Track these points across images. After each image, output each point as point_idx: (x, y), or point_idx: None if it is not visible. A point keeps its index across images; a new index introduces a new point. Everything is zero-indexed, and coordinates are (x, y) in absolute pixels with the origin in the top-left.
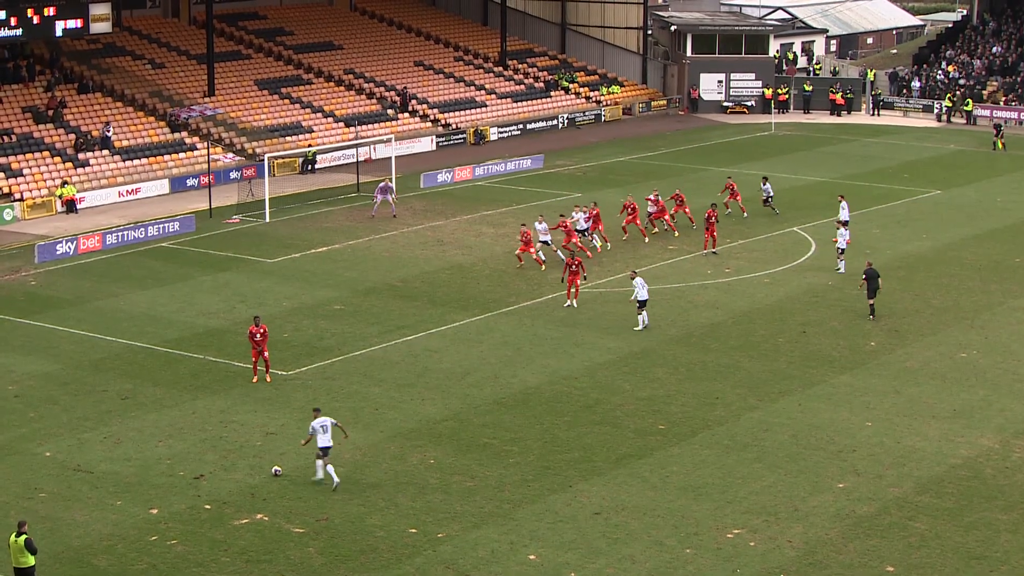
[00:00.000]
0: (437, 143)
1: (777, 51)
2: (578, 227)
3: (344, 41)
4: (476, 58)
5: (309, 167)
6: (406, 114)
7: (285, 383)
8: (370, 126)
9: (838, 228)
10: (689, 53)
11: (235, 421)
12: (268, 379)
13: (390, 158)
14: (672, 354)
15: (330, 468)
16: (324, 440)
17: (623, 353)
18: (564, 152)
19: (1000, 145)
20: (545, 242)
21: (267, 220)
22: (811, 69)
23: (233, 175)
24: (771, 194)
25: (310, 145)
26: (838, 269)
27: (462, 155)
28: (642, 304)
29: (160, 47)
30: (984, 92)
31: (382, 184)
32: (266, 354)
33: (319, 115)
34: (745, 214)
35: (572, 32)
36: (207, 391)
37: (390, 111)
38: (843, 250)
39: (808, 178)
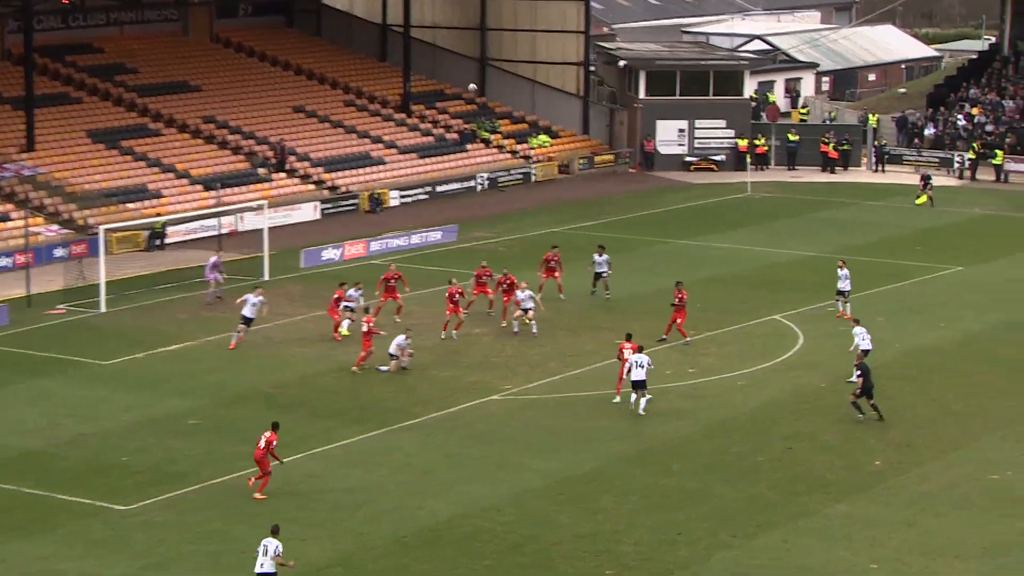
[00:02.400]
0: (322, 210)
1: (754, 92)
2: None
3: (203, 81)
4: (372, 102)
5: (157, 242)
6: (282, 174)
7: (123, 520)
8: (236, 189)
9: (839, 303)
10: (642, 95)
11: (58, 571)
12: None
13: (262, 230)
14: (623, 477)
15: None
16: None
17: (560, 476)
18: (483, 221)
19: (925, 199)
20: (527, 309)
21: (102, 310)
22: (798, 114)
23: (59, 252)
24: (605, 271)
25: (158, 214)
26: (850, 379)
27: (353, 226)
28: (637, 385)
29: None
30: (1013, 141)
31: (213, 259)
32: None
33: (170, 175)
34: (561, 295)
35: (494, 69)
36: (22, 532)
37: (262, 170)
38: (866, 351)
39: (794, 252)
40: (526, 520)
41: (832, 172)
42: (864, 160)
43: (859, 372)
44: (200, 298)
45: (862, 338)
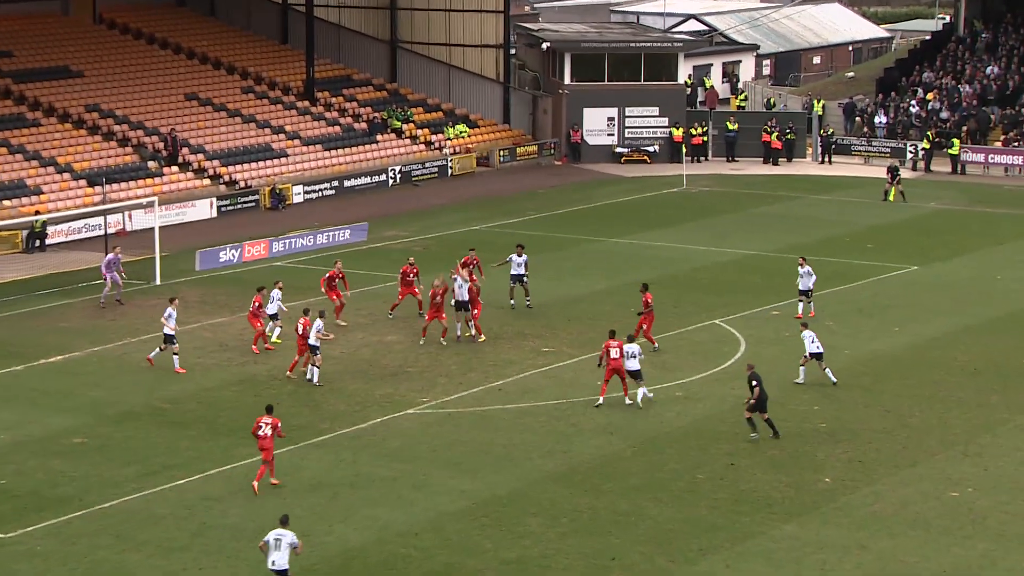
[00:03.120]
0: (218, 208)
1: (689, 76)
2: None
3: (85, 66)
4: (272, 89)
5: (36, 243)
6: (174, 168)
7: (2, 550)
8: (123, 185)
9: (801, 303)
10: (568, 80)
11: None
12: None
13: (152, 229)
14: (550, 498)
15: None
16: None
17: (482, 497)
18: (396, 219)
19: (895, 194)
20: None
21: None
22: (737, 101)
23: None
24: (523, 274)
25: (37, 212)
26: (797, 379)
27: (253, 224)
28: (635, 375)
29: None
30: (969, 129)
31: (110, 256)
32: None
33: (50, 170)
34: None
35: (406, 52)
36: None
37: (152, 164)
38: (814, 355)
39: (734, 251)
40: (446, 546)
41: (775, 164)
42: (809, 151)
43: (753, 383)
44: (85, 304)
45: (811, 341)
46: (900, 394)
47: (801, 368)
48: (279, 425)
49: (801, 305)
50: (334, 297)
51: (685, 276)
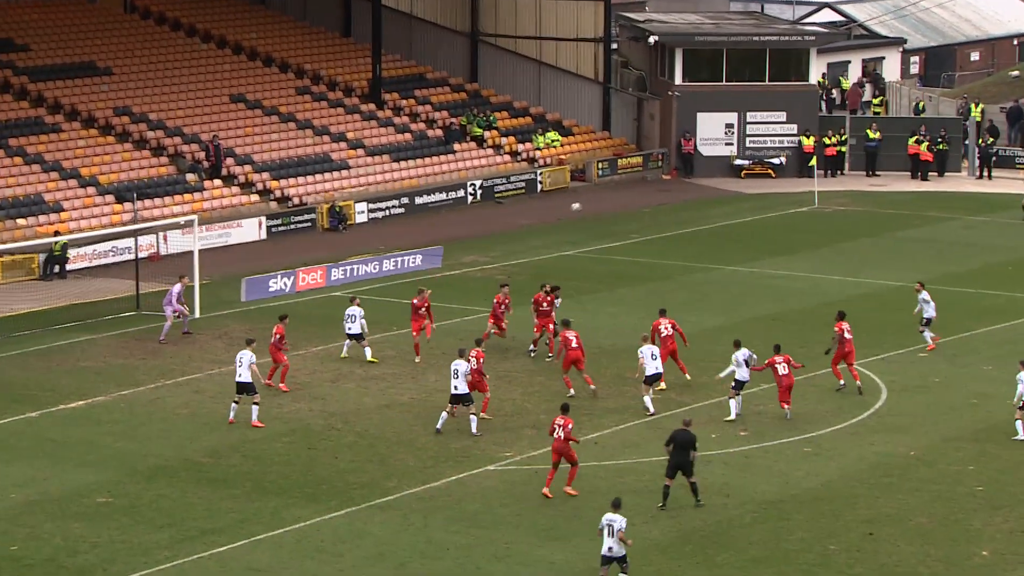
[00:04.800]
0: (268, 228)
1: (823, 75)
2: None
3: (114, 62)
4: (332, 90)
5: (56, 268)
6: (217, 181)
7: None
8: (158, 201)
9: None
10: (679, 80)
11: None
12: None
13: (191, 252)
14: (656, 571)
15: None
16: None
17: (575, 570)
18: (476, 242)
19: None
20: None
21: None
22: (880, 102)
23: None
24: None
25: (57, 232)
26: (1017, 436)
27: (310, 248)
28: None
29: None
30: None
31: (177, 287)
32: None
33: (72, 183)
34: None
35: (489, 47)
36: None
37: (191, 177)
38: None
39: (873, 282)
40: None
41: (924, 179)
42: (965, 164)
43: (667, 442)
44: (112, 340)
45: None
46: None
47: (1018, 422)
48: (570, 426)
49: (926, 335)
50: (417, 328)
51: (815, 311)
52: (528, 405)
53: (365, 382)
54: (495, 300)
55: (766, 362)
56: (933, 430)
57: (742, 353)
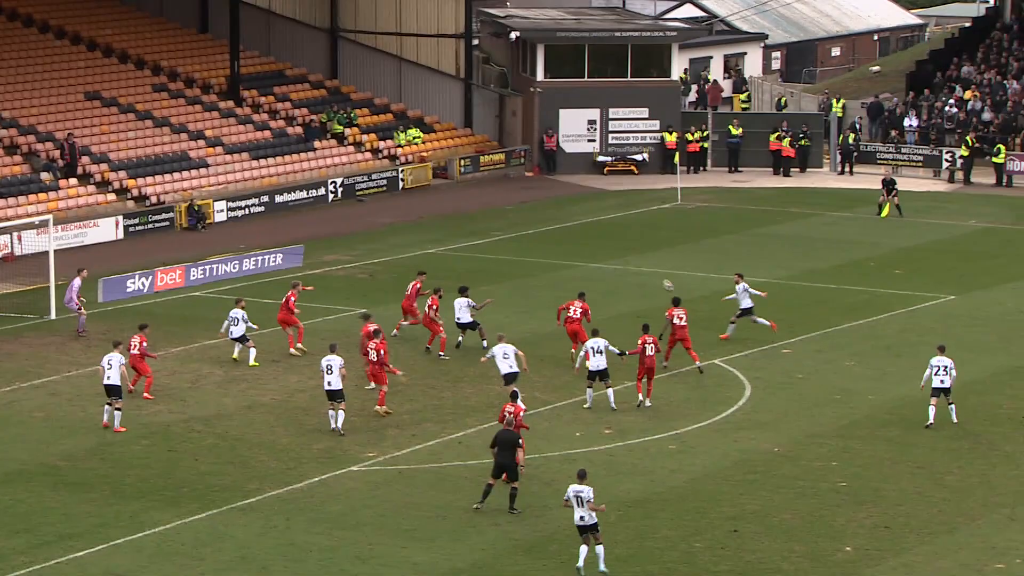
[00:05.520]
0: (125, 228)
1: (685, 71)
2: None
3: None
4: (190, 87)
5: None
6: (72, 180)
7: None
8: (11, 200)
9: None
10: (541, 76)
11: None
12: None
13: (47, 253)
14: (520, 571)
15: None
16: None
17: (439, 572)
18: (337, 241)
19: (888, 208)
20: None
21: None
22: (739, 101)
23: None
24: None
25: None
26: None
27: (168, 247)
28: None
29: None
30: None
31: (76, 282)
32: None
33: None
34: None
35: (349, 43)
36: None
37: (45, 176)
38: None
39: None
40: None
41: (786, 175)
42: (827, 159)
43: (492, 443)
44: None
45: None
46: (934, 447)
47: (931, 408)
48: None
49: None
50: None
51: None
52: (391, 405)
53: (226, 384)
54: (411, 287)
55: (638, 342)
56: (797, 426)
57: (599, 342)
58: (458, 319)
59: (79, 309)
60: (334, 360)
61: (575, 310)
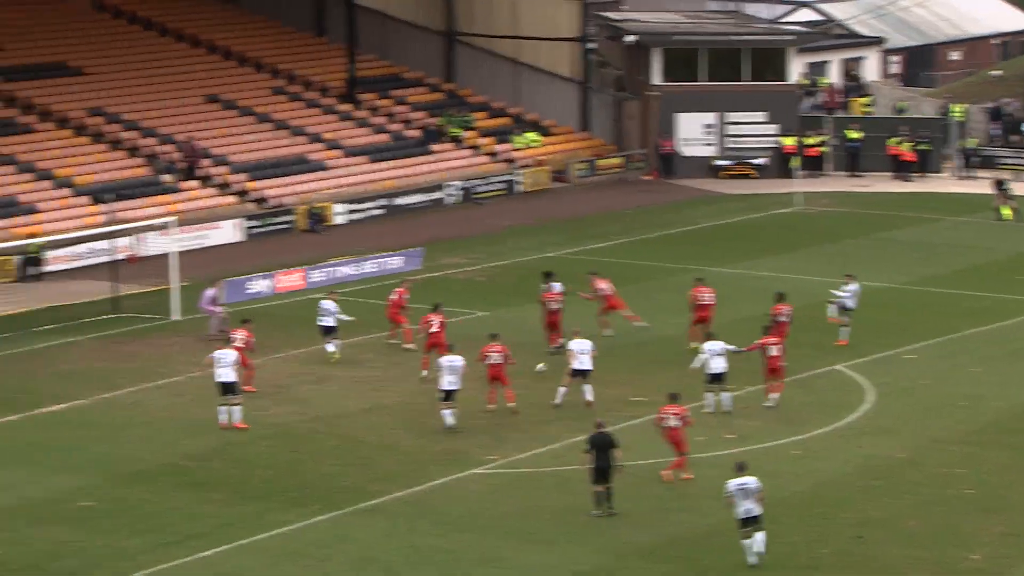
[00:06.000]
0: (246, 230)
1: (803, 74)
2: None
3: (86, 62)
4: (308, 90)
5: (32, 271)
6: (193, 183)
7: None
8: (134, 202)
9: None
10: (657, 80)
11: None
12: None
13: (168, 255)
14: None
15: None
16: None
17: (562, 574)
18: (456, 244)
19: (1009, 212)
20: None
21: None
22: (860, 105)
23: None
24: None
25: (32, 235)
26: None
27: (288, 250)
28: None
29: None
30: None
31: (210, 291)
32: None
33: (46, 184)
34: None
35: (465, 46)
36: None
37: (167, 178)
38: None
39: (859, 283)
40: None
41: (906, 179)
42: (947, 164)
43: (588, 447)
44: (91, 343)
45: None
46: None
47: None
48: (687, 415)
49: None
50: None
51: (799, 313)
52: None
53: (348, 385)
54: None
55: (758, 341)
56: (921, 432)
57: (718, 345)
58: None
59: (217, 313)
60: (456, 360)
61: (707, 296)
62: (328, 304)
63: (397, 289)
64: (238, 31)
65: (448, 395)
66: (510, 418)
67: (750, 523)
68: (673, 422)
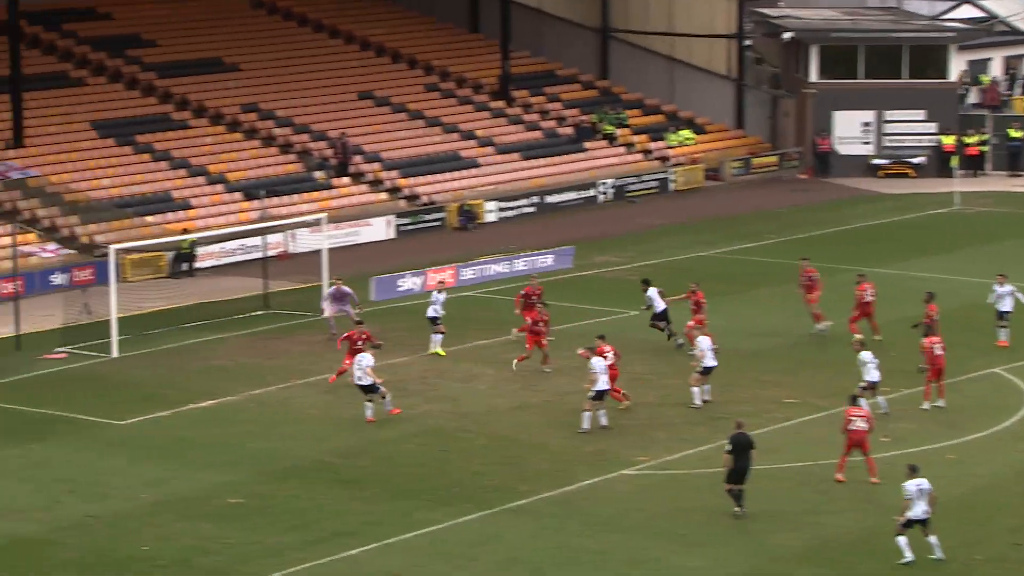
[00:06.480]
0: (397, 227)
1: (963, 72)
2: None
3: (241, 58)
4: (461, 87)
5: (185, 266)
6: (345, 179)
7: None
8: (286, 199)
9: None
10: (814, 77)
11: None
12: None
13: (319, 252)
14: None
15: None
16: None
17: None
18: (607, 243)
19: None
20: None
21: (114, 355)
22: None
23: (56, 280)
24: (658, 308)
25: (186, 231)
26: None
27: (439, 247)
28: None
29: None
30: None
31: (332, 289)
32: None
33: (200, 180)
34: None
35: (620, 43)
36: None
37: (319, 174)
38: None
39: (1019, 285)
40: None
41: None
42: None
43: (729, 447)
44: (240, 340)
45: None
46: None
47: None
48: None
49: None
50: (529, 318)
51: (958, 314)
52: (662, 409)
53: (497, 384)
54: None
55: (924, 343)
56: None
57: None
58: (654, 309)
59: (338, 315)
60: (602, 362)
61: (869, 292)
62: (441, 296)
63: (527, 287)
64: (392, 27)
65: (599, 395)
66: (659, 419)
67: (921, 524)
68: (860, 424)
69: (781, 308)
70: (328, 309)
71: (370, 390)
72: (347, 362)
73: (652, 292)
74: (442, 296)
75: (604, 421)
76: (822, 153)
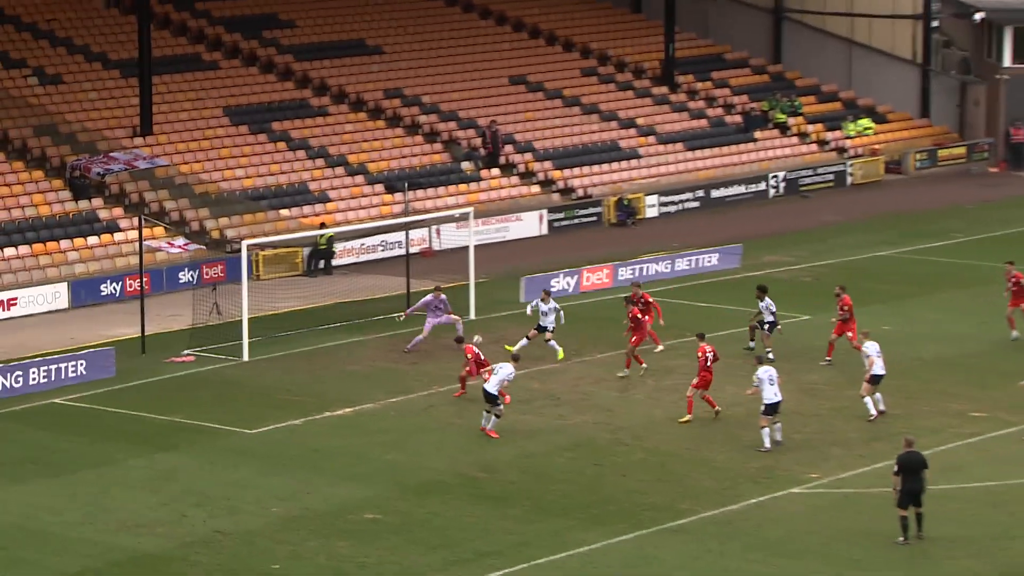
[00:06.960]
0: (550, 223)
1: None
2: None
3: (385, 40)
4: (621, 71)
5: (321, 264)
6: (495, 171)
7: None
8: (431, 191)
9: None
10: (1008, 62)
11: None
12: None
13: (467, 248)
14: None
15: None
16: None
17: None
18: (778, 240)
19: None
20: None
21: (245, 358)
22: None
23: (184, 277)
24: (770, 315)
25: (323, 225)
26: None
27: (595, 244)
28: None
29: (55, 47)
30: None
31: (429, 297)
32: None
33: (339, 171)
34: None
35: (794, 24)
36: None
37: (466, 165)
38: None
39: None
40: None
41: None
42: None
43: (897, 468)
44: (381, 343)
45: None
46: None
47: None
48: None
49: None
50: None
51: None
52: (836, 422)
53: (655, 393)
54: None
55: None
56: None
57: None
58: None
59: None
60: (772, 372)
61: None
62: (550, 304)
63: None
64: (547, 8)
65: (770, 408)
66: (832, 433)
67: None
68: None
69: (967, 313)
70: (428, 321)
71: (492, 401)
72: (471, 371)
73: (768, 303)
74: (546, 306)
75: (779, 437)
76: (1016, 144)
